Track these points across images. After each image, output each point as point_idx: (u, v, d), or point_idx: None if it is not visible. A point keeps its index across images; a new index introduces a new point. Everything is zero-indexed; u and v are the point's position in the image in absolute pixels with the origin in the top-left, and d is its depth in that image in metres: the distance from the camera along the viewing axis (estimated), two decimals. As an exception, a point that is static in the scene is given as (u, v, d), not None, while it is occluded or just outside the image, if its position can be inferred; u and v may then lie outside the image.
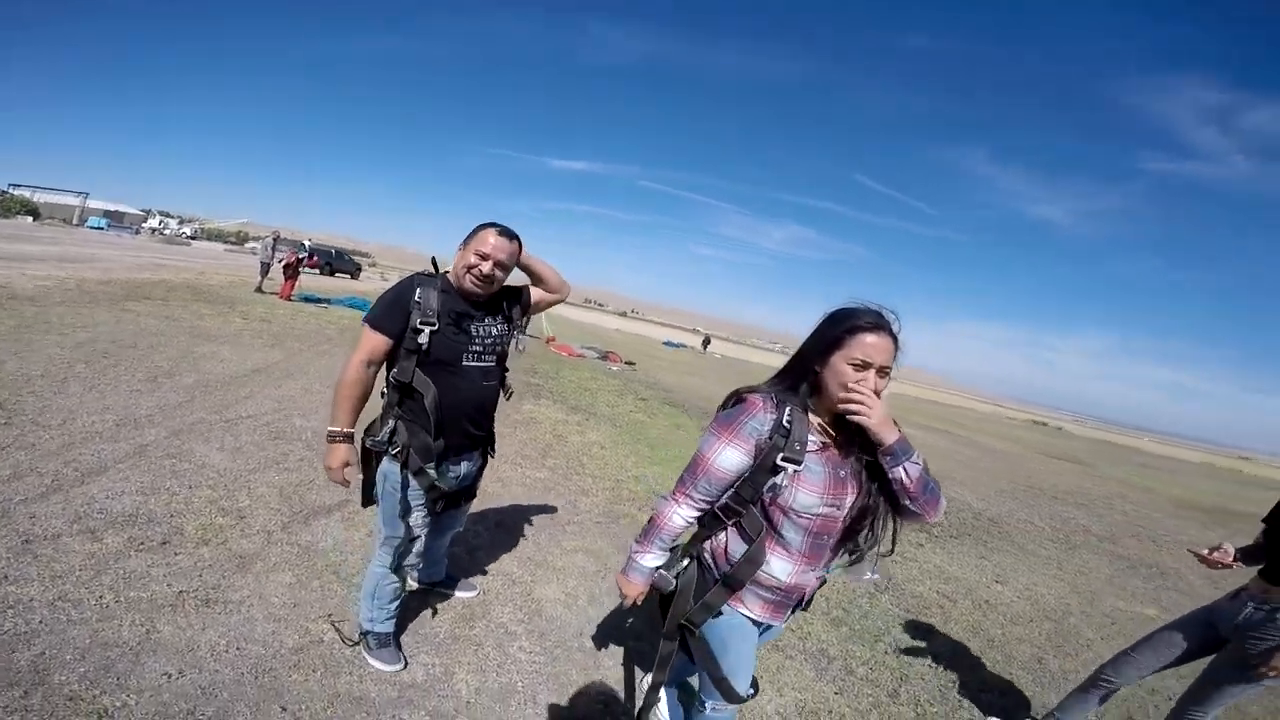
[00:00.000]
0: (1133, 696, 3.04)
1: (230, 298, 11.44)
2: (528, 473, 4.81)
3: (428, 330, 1.88)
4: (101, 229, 40.19)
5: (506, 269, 2.01)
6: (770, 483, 1.42)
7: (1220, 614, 2.16)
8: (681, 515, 1.55)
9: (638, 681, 2.43)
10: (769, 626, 1.61)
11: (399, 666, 2.18)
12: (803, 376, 1.46)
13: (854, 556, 1.55)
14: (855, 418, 1.34)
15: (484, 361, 2.06)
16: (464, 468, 2.18)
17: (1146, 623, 4.19)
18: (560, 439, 6.13)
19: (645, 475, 5.44)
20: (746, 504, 1.47)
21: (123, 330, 6.63)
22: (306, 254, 13.96)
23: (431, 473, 2.02)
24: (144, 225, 50.58)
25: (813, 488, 1.41)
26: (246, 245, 54.10)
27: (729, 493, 1.49)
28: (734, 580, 1.51)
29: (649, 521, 1.60)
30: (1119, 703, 2.86)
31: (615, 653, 2.62)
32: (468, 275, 1.95)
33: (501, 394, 2.23)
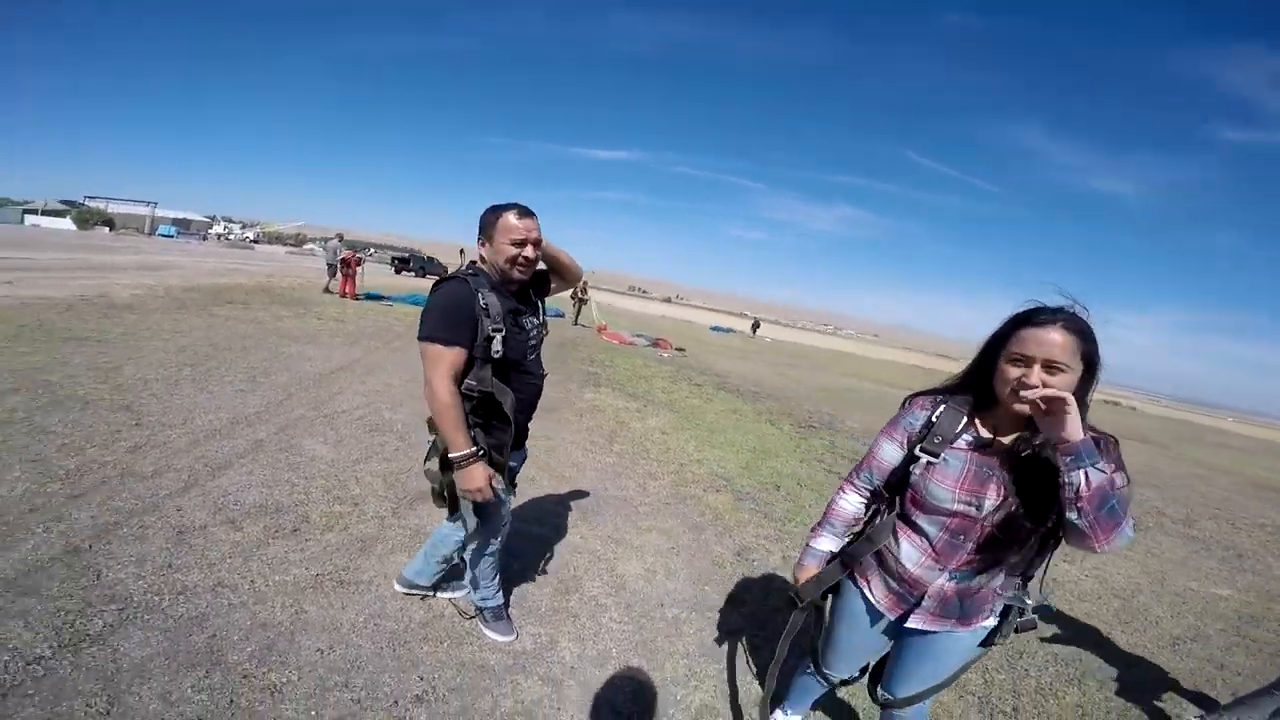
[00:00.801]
0: None
1: (303, 299, 12.07)
2: (598, 458, 5.03)
3: (499, 336, 1.85)
4: (172, 236, 42.74)
5: (539, 247, 1.96)
6: (909, 471, 1.50)
7: None
8: (848, 501, 1.69)
9: (717, 647, 2.63)
10: (902, 624, 1.58)
11: (513, 637, 2.38)
12: (974, 377, 1.46)
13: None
14: (1019, 407, 1.30)
15: (536, 354, 2.08)
16: (523, 456, 2.27)
17: (1219, 603, 4.15)
18: (623, 425, 6.34)
19: (707, 458, 5.61)
20: (892, 490, 1.56)
21: (216, 334, 7.15)
22: (365, 254, 14.53)
23: (510, 465, 2.09)
24: (210, 231, 53.42)
25: (945, 480, 1.43)
26: (305, 246, 56.48)
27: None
28: (848, 556, 1.64)
29: (825, 510, 1.74)
30: None
31: (695, 621, 2.82)
32: (514, 266, 1.90)
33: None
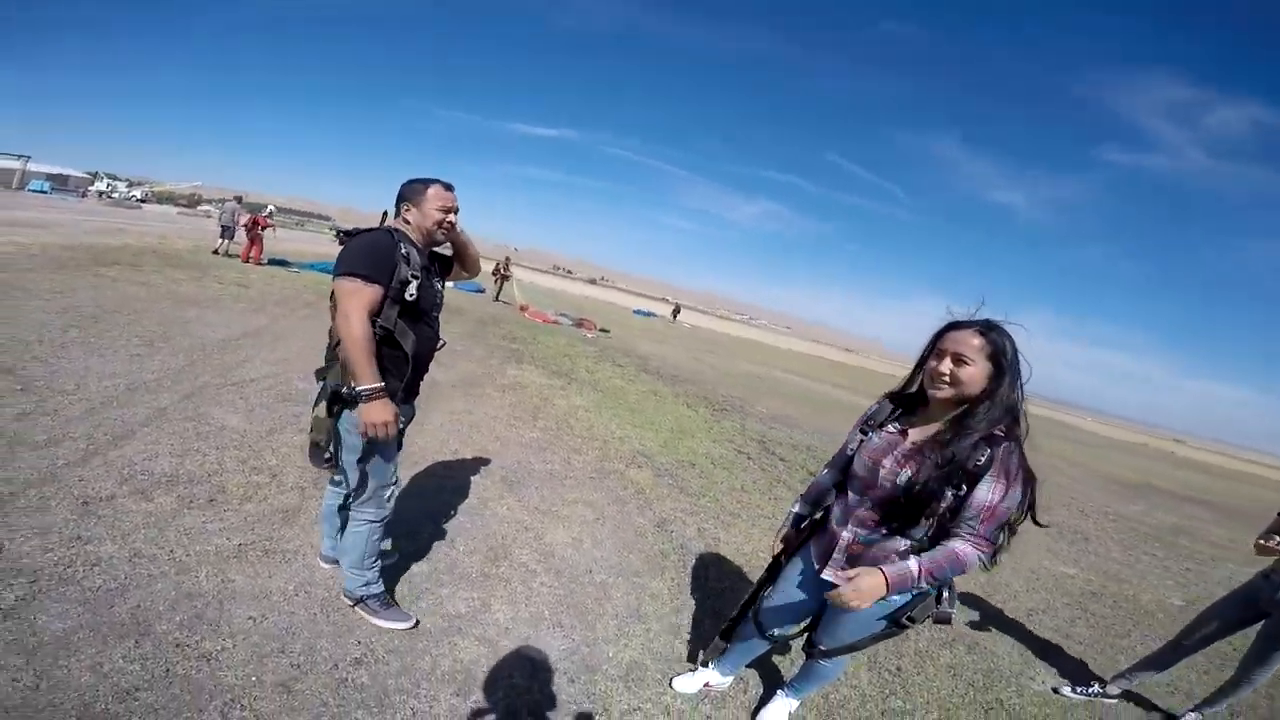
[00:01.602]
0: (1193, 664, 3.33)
1: (199, 263, 11.21)
2: (522, 433, 5.09)
3: (414, 282, 1.96)
4: (45, 193, 38.08)
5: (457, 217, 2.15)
6: (851, 445, 1.84)
7: (1258, 592, 2.60)
8: (823, 477, 1.99)
9: (642, 609, 2.80)
10: (826, 580, 1.80)
11: (410, 623, 2.28)
12: (915, 375, 1.74)
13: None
14: (933, 392, 1.61)
15: (439, 312, 2.20)
16: (411, 413, 2.27)
17: (1066, 580, 4.70)
18: (547, 402, 6.41)
19: (629, 436, 5.79)
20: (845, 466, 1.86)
21: (104, 296, 6.58)
22: (265, 215, 13.61)
23: (407, 411, 2.15)
24: (90, 188, 47.99)
25: (865, 450, 1.76)
26: (199, 208, 51.88)
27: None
28: (809, 519, 2.00)
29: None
30: (1185, 669, 3.20)
31: (621, 585, 2.98)
32: (439, 229, 2.09)
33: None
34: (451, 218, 2.11)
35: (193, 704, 1.75)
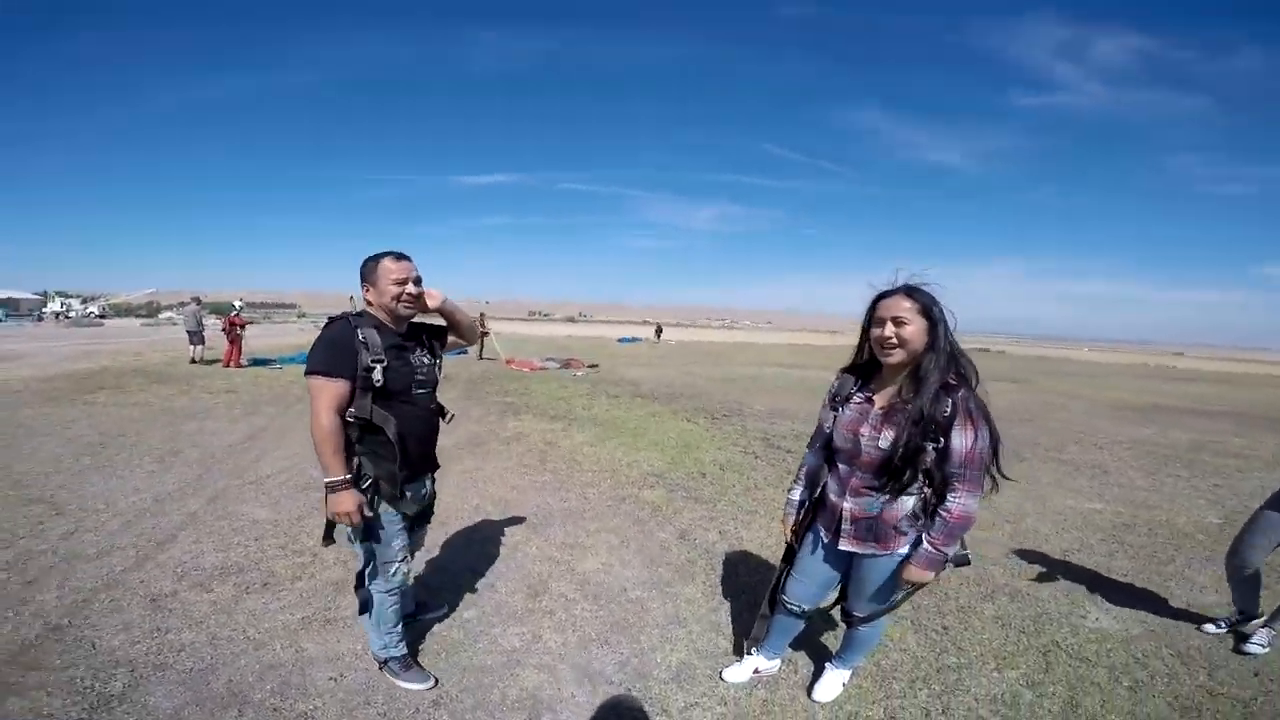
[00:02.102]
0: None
1: (182, 375, 11.29)
2: (534, 478, 5.26)
3: (379, 366, 1.97)
4: (1, 320, 37.59)
5: (420, 284, 2.11)
6: (828, 423, 2.02)
7: None
8: (808, 459, 2.16)
9: (681, 615, 2.97)
10: (845, 551, 1.99)
11: (429, 684, 2.32)
12: (862, 348, 1.93)
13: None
14: (884, 358, 1.80)
15: (426, 389, 2.17)
16: (421, 491, 2.27)
17: (1094, 516, 4.79)
18: (552, 445, 6.57)
19: (636, 461, 5.97)
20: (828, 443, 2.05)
21: (102, 422, 6.69)
22: (236, 314, 13.67)
23: (406, 494, 2.13)
24: (45, 310, 47.56)
25: (840, 425, 1.95)
26: (161, 316, 51.54)
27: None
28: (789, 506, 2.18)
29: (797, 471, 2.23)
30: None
31: (656, 598, 3.15)
32: (399, 303, 2.05)
33: (442, 419, 2.33)
34: (410, 289, 2.06)
35: (298, 760, 1.91)
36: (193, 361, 13.09)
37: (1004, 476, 1.84)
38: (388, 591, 2.22)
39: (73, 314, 45.80)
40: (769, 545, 3.90)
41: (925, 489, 1.83)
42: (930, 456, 1.76)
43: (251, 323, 14.32)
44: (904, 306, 1.75)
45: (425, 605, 2.83)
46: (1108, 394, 15.93)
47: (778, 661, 2.51)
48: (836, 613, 2.28)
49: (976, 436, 1.72)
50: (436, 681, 2.35)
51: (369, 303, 2.10)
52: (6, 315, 40.43)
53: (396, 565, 2.20)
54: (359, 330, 1.99)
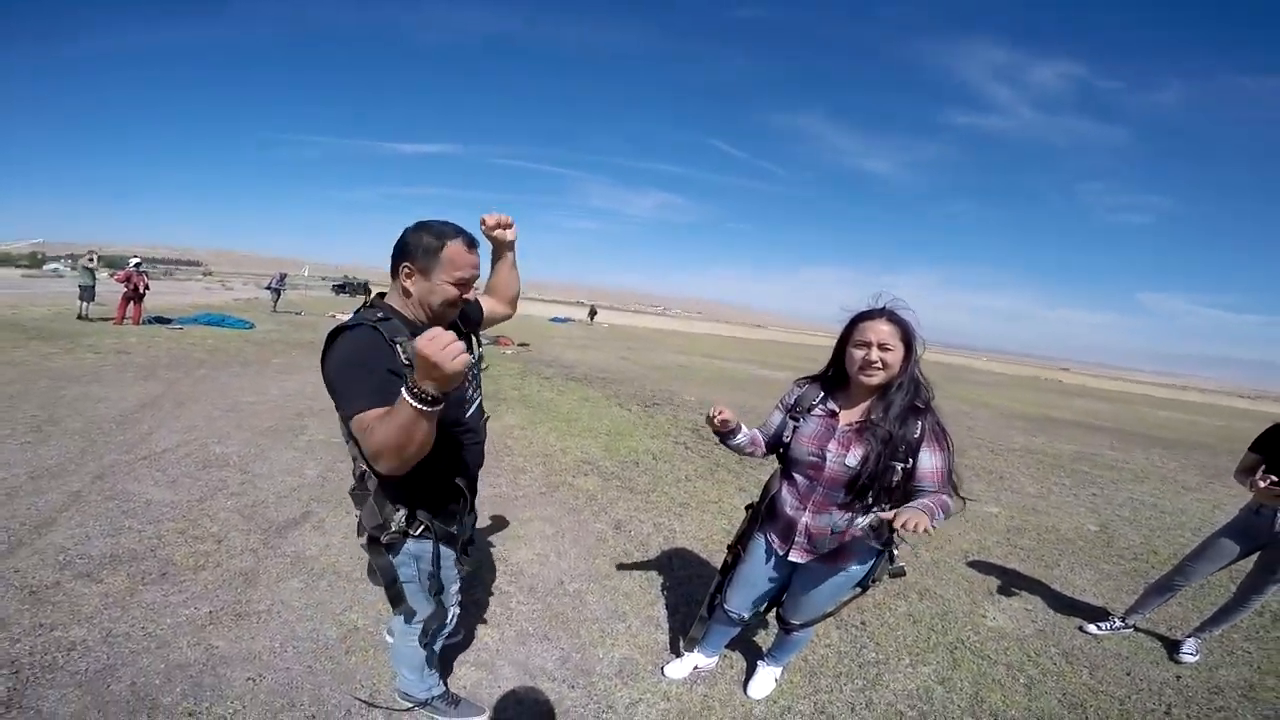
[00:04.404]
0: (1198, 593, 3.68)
1: (66, 331, 10.23)
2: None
3: None
4: None
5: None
6: (785, 432, 1.99)
7: (1253, 527, 2.76)
8: (753, 432, 2.12)
9: (620, 609, 2.93)
10: (788, 560, 2.00)
11: (485, 715, 2.14)
12: (833, 364, 1.92)
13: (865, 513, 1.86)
14: (863, 378, 1.77)
15: (476, 401, 1.77)
16: (472, 520, 1.92)
17: (991, 519, 5.06)
18: (480, 427, 6.38)
19: (570, 447, 5.88)
20: (778, 450, 2.05)
21: (-35, 383, 5.94)
22: (137, 271, 12.54)
23: (462, 531, 1.79)
24: (-91, 257, 42.12)
25: (802, 438, 1.92)
26: (46, 268, 46.73)
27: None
28: (755, 507, 2.13)
29: None
30: (1184, 598, 3.52)
31: (595, 590, 3.11)
32: (451, 309, 1.58)
33: None
34: (469, 294, 1.60)
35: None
36: (79, 317, 11.91)
37: (960, 496, 1.87)
38: (418, 644, 1.87)
39: (-64, 260, 40.71)
40: (701, 539, 3.92)
41: (885, 505, 1.84)
42: (897, 475, 1.78)
43: (150, 284, 13.16)
44: (890, 333, 1.75)
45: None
46: (1004, 403, 17.23)
47: (715, 659, 2.55)
48: (771, 616, 2.32)
49: (943, 457, 1.78)
50: (487, 711, 2.16)
51: (405, 292, 1.54)
52: None
53: (436, 621, 1.83)
54: (398, 345, 1.43)
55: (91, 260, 13.31)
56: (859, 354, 1.78)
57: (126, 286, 12.10)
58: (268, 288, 23.06)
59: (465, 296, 1.58)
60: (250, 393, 6.79)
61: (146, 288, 12.62)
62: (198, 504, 3.54)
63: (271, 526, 3.34)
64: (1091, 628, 3.22)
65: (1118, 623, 3.23)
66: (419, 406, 1.20)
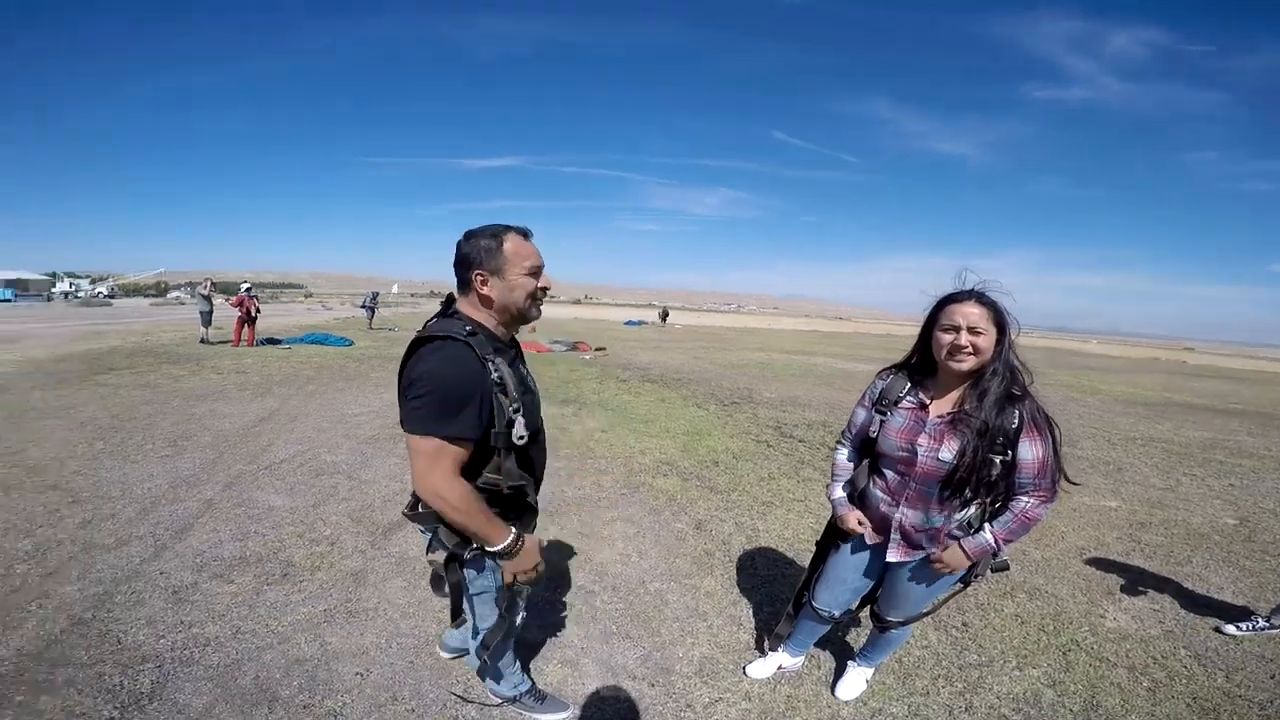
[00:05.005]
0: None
1: (191, 355, 11.31)
2: (548, 464, 5.23)
3: (520, 418, 1.50)
4: (10, 301, 37.80)
5: None
6: (872, 427, 1.89)
7: None
8: (841, 454, 2.06)
9: (700, 608, 2.95)
10: (883, 559, 1.94)
11: (568, 711, 2.18)
12: (918, 351, 1.83)
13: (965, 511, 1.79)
14: (953, 365, 1.67)
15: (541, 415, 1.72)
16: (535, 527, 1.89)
17: (1110, 513, 4.74)
18: (563, 431, 6.55)
19: (649, 448, 5.96)
20: (867, 446, 1.95)
21: (113, 404, 6.68)
22: (249, 295, 13.68)
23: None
24: (54, 290, 47.93)
25: (891, 432, 1.82)
26: (170, 295, 51.83)
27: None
28: (841, 504, 2.04)
29: (831, 468, 2.12)
30: None
31: (675, 590, 3.14)
32: (535, 304, 1.58)
33: None
34: (545, 281, 1.58)
35: (329, 759, 1.90)
36: (201, 341, 13.14)
37: (1070, 481, 1.75)
38: (512, 640, 1.96)
39: (81, 294, 46.15)
40: (786, 538, 3.88)
41: (985, 500, 1.77)
42: (996, 469, 1.68)
43: (260, 307, 14.33)
44: (980, 315, 1.64)
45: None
46: (1120, 388, 15.68)
47: (801, 658, 2.50)
48: (865, 614, 2.24)
49: (1045, 446, 1.66)
50: (571, 707, 2.21)
51: (485, 300, 1.52)
52: (16, 296, 40.66)
53: (522, 614, 1.92)
54: (489, 363, 1.43)
55: (207, 287, 14.65)
56: (947, 338, 1.68)
57: (240, 310, 13.23)
58: (362, 306, 24.61)
59: (546, 286, 1.58)
60: (354, 405, 7.30)
61: (258, 311, 13.76)
62: (313, 509, 3.86)
63: (378, 529, 3.59)
64: (1230, 628, 2.96)
65: (1262, 623, 2.94)
66: (492, 548, 1.53)
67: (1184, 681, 2.55)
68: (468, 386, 1.39)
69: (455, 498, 1.42)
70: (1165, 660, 2.70)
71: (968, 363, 1.66)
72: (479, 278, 1.50)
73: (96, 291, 48.49)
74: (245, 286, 14.30)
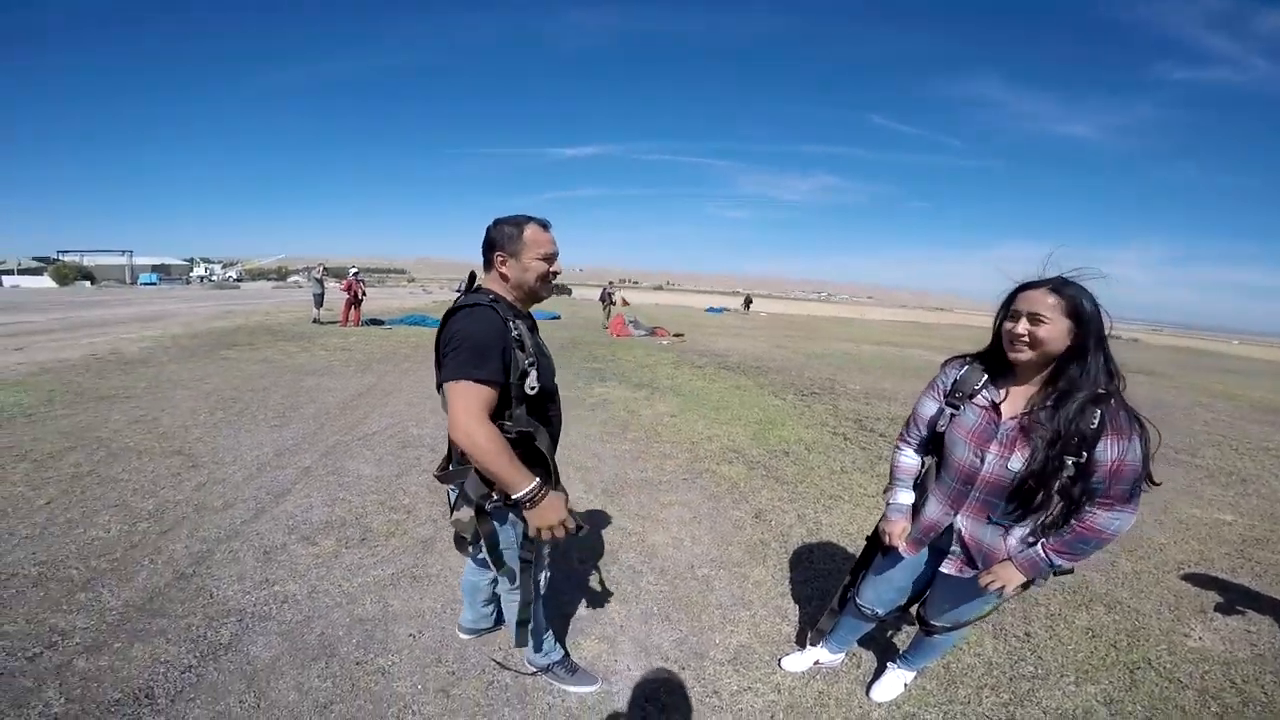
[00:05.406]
0: None
1: (304, 333, 12.35)
2: (615, 446, 5.37)
3: (534, 371, 1.69)
4: (155, 284, 42.33)
5: None
6: (940, 421, 1.77)
7: None
8: (905, 455, 1.93)
9: (746, 597, 2.97)
10: (937, 569, 1.88)
11: (597, 684, 2.27)
12: (994, 341, 1.67)
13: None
14: (1012, 356, 1.57)
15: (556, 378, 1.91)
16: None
17: (1222, 528, 4.30)
18: (634, 414, 6.67)
19: (716, 435, 5.96)
20: (933, 443, 1.84)
21: (234, 377, 7.45)
22: (357, 279, 14.76)
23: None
24: (191, 275, 53.30)
25: (960, 430, 1.69)
26: (289, 279, 56.46)
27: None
28: (896, 510, 1.94)
29: (890, 469, 1.98)
30: None
31: (723, 577, 3.17)
32: (544, 284, 1.79)
33: None
34: (557, 266, 1.80)
35: (375, 712, 2.09)
36: (314, 321, 14.30)
37: (1151, 481, 1.55)
38: (539, 602, 2.07)
39: (214, 278, 51.17)
40: (850, 534, 3.80)
41: (1054, 510, 1.62)
42: (1069, 472, 1.53)
43: (366, 290, 15.44)
44: (1046, 303, 1.50)
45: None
46: (1257, 393, 13.86)
47: (841, 656, 2.46)
48: (913, 614, 2.17)
49: (1127, 450, 1.47)
50: (600, 680, 2.30)
51: (503, 278, 1.77)
52: (160, 279, 45.63)
53: (546, 574, 2.06)
54: (510, 323, 1.65)
55: (319, 272, 15.94)
56: (1008, 326, 1.57)
57: (348, 293, 14.30)
58: (458, 290, 25.88)
59: (556, 270, 1.81)
60: (444, 383, 7.77)
61: (364, 294, 14.81)
62: (395, 479, 4.18)
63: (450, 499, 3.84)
64: None
65: None
66: (515, 494, 1.61)
67: (1258, 709, 2.35)
68: (493, 339, 1.61)
69: (483, 437, 1.56)
70: (1244, 685, 2.49)
71: (1022, 354, 1.54)
72: (499, 258, 1.75)
73: (227, 275, 53.63)
74: (353, 271, 15.40)
